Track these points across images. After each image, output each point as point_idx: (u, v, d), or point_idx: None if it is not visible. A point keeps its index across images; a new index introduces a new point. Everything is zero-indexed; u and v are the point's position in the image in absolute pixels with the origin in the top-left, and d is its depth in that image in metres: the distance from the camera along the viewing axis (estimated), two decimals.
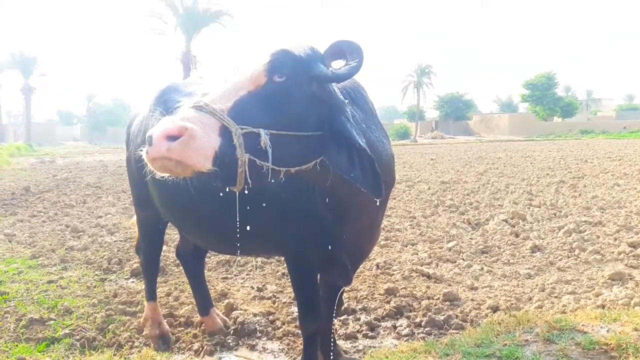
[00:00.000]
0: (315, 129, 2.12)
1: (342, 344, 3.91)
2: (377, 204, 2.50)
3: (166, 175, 1.91)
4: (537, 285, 5.22)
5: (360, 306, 4.63)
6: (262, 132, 1.94)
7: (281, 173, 2.05)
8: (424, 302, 4.67)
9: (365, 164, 2.14)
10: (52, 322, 4.17)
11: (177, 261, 4.72)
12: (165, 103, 3.34)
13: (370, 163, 2.14)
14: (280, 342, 3.95)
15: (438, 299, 4.80)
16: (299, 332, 3.62)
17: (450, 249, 6.58)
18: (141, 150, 1.88)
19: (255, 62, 2.09)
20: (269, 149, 1.95)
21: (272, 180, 2.04)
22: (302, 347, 3.17)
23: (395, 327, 4.25)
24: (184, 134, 1.80)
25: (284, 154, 2.01)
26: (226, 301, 4.67)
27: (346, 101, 2.29)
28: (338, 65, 2.19)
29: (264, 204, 2.56)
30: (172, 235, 6.57)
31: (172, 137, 1.80)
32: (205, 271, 4.62)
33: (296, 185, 2.49)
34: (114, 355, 3.67)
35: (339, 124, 2.15)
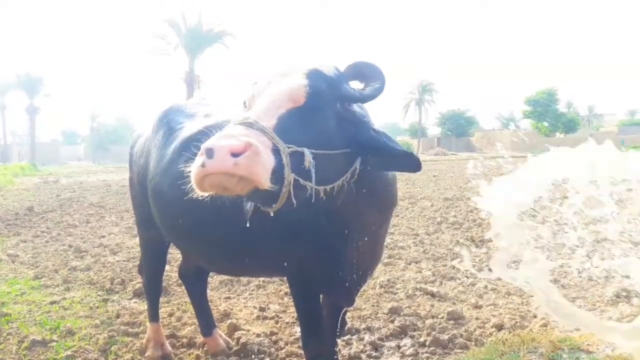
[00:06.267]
0: (344, 147, 2.14)
1: None
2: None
3: (212, 192, 1.86)
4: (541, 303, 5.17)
5: (364, 326, 4.60)
6: (306, 151, 1.94)
7: (320, 192, 2.05)
8: (428, 321, 4.63)
9: (398, 158, 2.20)
10: (54, 343, 4.14)
11: (180, 281, 4.71)
12: (168, 124, 3.37)
13: (401, 154, 2.19)
14: None
15: (442, 317, 4.76)
16: (302, 352, 3.59)
17: (454, 267, 6.54)
18: (186, 166, 1.86)
19: (290, 78, 2.08)
20: (313, 168, 1.95)
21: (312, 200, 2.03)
22: None
23: (399, 347, 4.21)
24: (249, 150, 1.77)
25: (321, 172, 2.01)
26: (229, 321, 4.64)
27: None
28: (354, 86, 2.22)
29: (268, 225, 2.56)
30: (175, 255, 6.56)
31: (236, 154, 1.76)
32: (208, 291, 4.60)
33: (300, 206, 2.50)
34: None
35: (369, 139, 2.18)
